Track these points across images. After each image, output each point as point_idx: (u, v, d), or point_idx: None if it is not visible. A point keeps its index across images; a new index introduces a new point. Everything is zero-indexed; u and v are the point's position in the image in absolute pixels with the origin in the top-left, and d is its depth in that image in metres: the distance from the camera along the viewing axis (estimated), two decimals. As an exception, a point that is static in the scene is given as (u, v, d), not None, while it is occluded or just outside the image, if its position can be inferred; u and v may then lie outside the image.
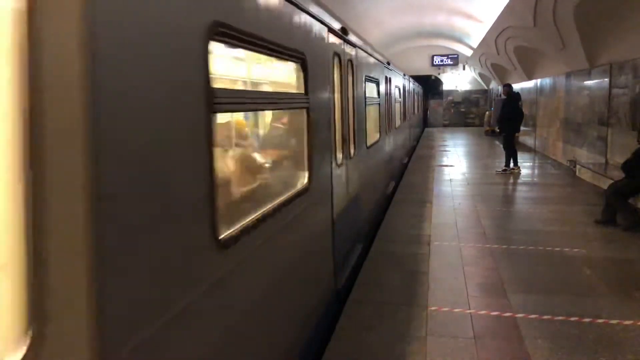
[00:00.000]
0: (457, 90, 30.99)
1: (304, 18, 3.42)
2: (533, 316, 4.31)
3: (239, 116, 3.07)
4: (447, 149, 18.86)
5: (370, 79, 7.34)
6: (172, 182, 1.67)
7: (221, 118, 2.44)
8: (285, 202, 2.90)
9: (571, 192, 10.02)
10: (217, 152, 2.04)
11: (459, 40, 23.27)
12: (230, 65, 2.76)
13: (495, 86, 25.25)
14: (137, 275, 1.49)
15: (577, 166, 11.58)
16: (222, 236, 2.03)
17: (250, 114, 3.20)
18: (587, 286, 5.02)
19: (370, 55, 7.49)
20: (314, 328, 3.68)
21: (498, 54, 18.01)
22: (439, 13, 17.89)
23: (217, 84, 1.98)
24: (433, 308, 4.50)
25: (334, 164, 4.32)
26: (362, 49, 6.51)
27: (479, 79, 29.79)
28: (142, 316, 1.51)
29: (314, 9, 3.72)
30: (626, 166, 7.11)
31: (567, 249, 6.17)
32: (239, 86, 3.04)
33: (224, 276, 2.04)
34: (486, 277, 5.30)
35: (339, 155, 4.69)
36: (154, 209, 1.57)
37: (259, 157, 3.25)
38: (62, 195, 1.27)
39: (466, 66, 29.01)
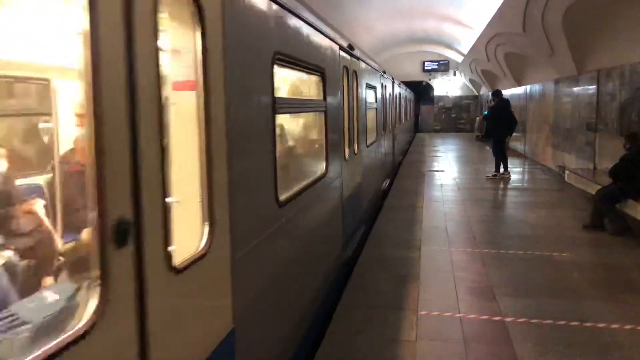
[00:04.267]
0: (447, 96, 31.20)
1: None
2: (522, 320, 4.34)
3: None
4: (438, 154, 18.96)
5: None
6: None
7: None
8: None
9: (560, 197, 10.11)
10: None
11: (450, 47, 23.45)
12: None
13: (486, 92, 25.46)
14: None
15: (566, 171, 11.70)
16: None
17: None
18: (575, 290, 5.07)
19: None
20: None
21: (488, 60, 18.17)
22: (429, 19, 18.03)
23: None
24: (423, 312, 4.52)
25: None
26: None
27: (470, 85, 30.01)
28: None
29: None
30: (613, 172, 7.20)
31: (555, 254, 6.22)
32: None
33: None
34: (476, 281, 5.33)
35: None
36: None
37: None
38: None
39: (457, 72, 29.23)
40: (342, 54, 5.46)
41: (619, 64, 9.33)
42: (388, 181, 11.16)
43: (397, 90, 14.92)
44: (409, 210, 8.82)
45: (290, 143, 4.46)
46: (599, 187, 7.71)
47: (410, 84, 24.45)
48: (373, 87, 8.49)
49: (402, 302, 4.75)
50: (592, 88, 10.77)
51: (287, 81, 4.15)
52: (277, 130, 3.14)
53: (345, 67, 5.66)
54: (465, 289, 5.09)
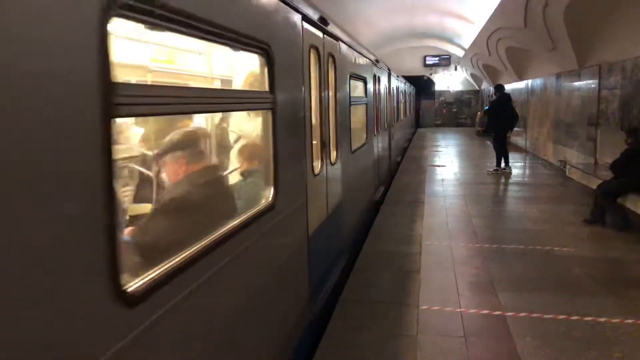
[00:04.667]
0: (449, 91, 31.16)
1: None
2: (522, 314, 4.36)
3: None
4: (439, 149, 18.95)
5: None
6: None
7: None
8: None
9: (561, 192, 10.11)
10: None
11: (451, 41, 23.39)
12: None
13: (487, 87, 25.40)
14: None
15: (567, 166, 11.69)
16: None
17: None
18: (576, 285, 5.07)
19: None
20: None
21: (489, 54, 18.13)
22: (430, 14, 17.98)
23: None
24: (424, 307, 4.53)
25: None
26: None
27: (471, 80, 29.95)
28: None
29: None
30: (614, 166, 7.20)
31: (556, 248, 6.23)
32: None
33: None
34: (476, 276, 5.34)
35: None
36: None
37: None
38: None
39: (458, 67, 29.17)
40: (309, 28, 3.83)
41: (620, 59, 9.31)
42: (382, 189, 9.61)
43: (394, 83, 13.28)
44: (410, 205, 8.83)
45: (195, 165, 2.50)
46: (600, 181, 7.71)
47: (411, 79, 24.39)
48: (362, 79, 7.02)
49: (403, 297, 4.76)
50: (594, 82, 10.74)
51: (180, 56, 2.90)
52: (144, 147, 2.06)
53: (315, 48, 4.09)
54: (466, 284, 5.10)
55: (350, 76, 5.91)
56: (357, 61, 6.50)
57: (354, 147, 6.12)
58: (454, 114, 31.29)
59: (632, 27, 8.55)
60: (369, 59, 7.78)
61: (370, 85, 7.83)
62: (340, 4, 12.65)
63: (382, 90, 9.79)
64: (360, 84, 7.05)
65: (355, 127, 6.30)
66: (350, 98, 5.87)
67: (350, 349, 3.82)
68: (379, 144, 9.22)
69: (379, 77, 9.09)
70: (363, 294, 4.87)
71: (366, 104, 7.38)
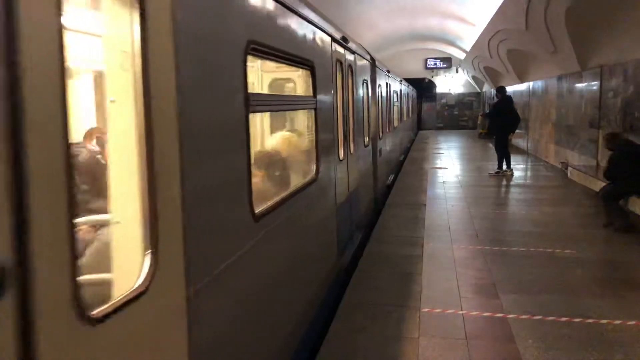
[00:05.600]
0: (450, 93, 31.13)
1: None
2: (524, 317, 4.35)
3: None
4: (440, 151, 18.94)
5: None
6: None
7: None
8: None
9: (563, 194, 10.10)
10: None
11: (452, 44, 23.42)
12: None
13: (489, 89, 25.41)
14: None
15: (569, 168, 11.68)
16: None
17: None
18: (578, 287, 5.07)
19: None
20: None
21: (491, 57, 18.13)
22: (432, 16, 18.01)
23: None
24: (426, 309, 4.53)
25: None
26: None
27: (472, 82, 29.94)
28: None
29: None
30: (607, 174, 7.20)
31: (558, 250, 6.22)
32: None
33: None
34: (478, 279, 5.34)
35: None
36: None
37: None
38: None
39: (459, 69, 29.16)
40: None
41: (622, 60, 9.31)
42: (359, 238, 6.53)
43: (383, 79, 10.14)
44: (412, 208, 8.82)
45: None
46: (602, 183, 7.70)
47: (412, 81, 24.38)
48: (302, 62, 3.85)
49: (404, 300, 4.76)
50: (595, 84, 10.74)
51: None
52: None
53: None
54: (467, 286, 5.10)
55: (253, 49, 2.70)
56: (280, 23, 3.29)
57: (269, 204, 2.98)
58: (456, 116, 31.25)
59: (633, 29, 8.55)
60: (324, 31, 4.61)
61: (326, 77, 4.70)
62: (342, 6, 12.68)
63: (359, 88, 6.83)
64: (300, 74, 4.38)
65: (277, 159, 3.95)
66: (249, 98, 2.63)
67: (352, 352, 3.82)
68: (351, 171, 5.96)
69: (350, 67, 6.06)
70: (364, 297, 4.87)
71: (315, 109, 4.24)
